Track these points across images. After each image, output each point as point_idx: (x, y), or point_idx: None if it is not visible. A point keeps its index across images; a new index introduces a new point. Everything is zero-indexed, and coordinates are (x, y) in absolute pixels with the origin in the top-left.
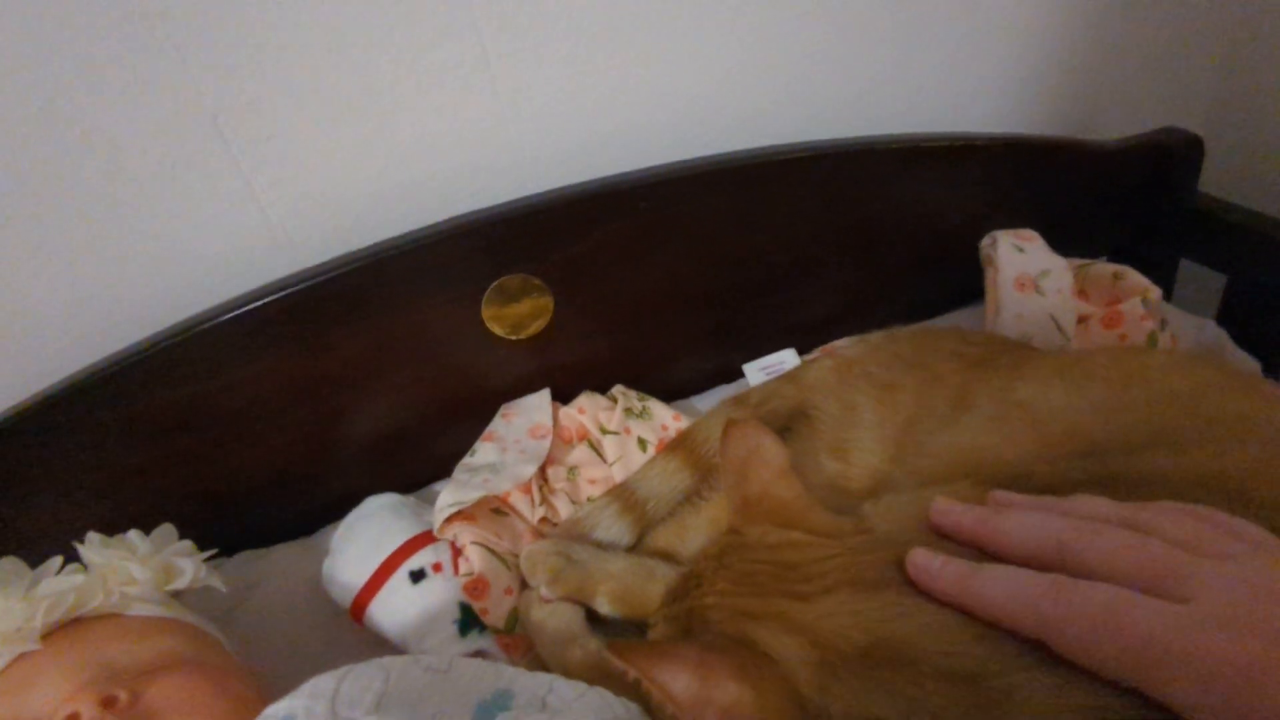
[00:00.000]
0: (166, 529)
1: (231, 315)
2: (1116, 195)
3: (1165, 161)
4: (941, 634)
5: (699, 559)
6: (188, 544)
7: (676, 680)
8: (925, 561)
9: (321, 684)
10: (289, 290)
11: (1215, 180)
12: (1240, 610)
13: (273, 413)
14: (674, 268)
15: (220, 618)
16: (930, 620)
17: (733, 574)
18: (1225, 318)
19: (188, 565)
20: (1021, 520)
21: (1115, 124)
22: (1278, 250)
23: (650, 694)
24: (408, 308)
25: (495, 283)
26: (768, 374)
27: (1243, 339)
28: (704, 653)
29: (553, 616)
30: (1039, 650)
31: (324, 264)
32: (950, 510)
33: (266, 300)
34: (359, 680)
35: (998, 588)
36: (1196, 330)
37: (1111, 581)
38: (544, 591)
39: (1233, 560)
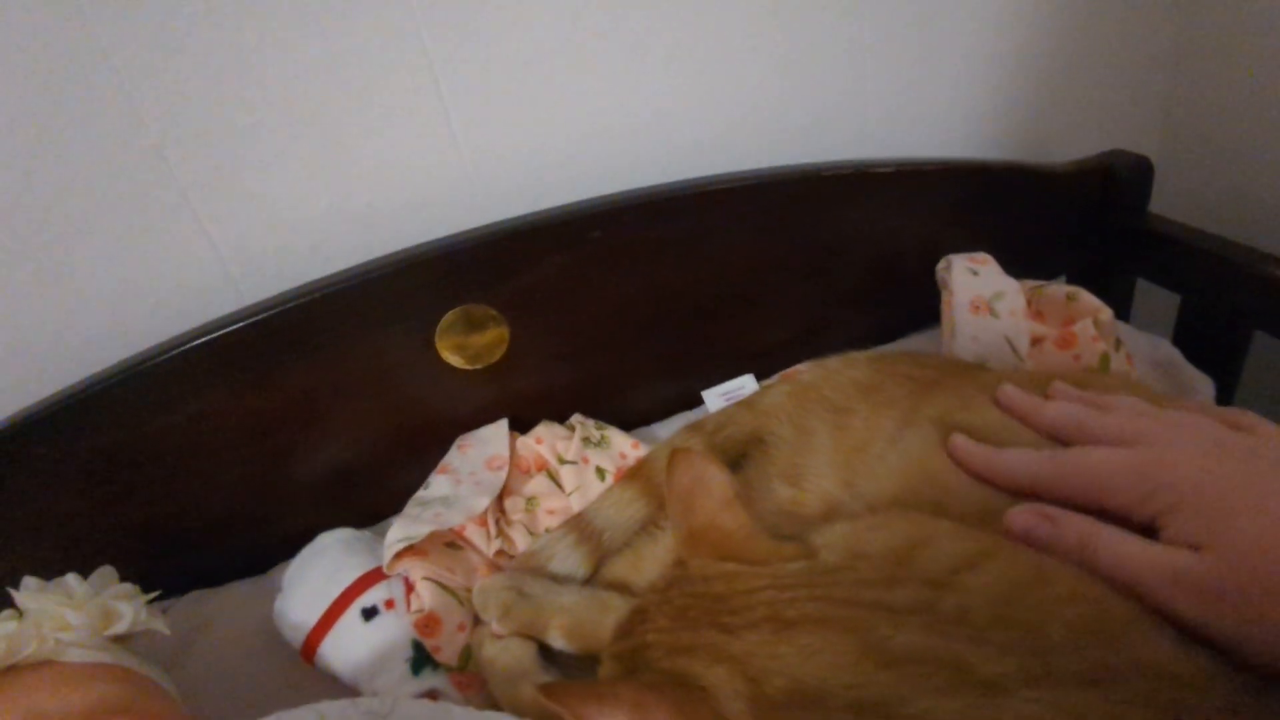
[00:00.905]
0: (107, 571)
1: (178, 351)
2: (1068, 217)
3: (1115, 184)
4: (848, 667)
5: (647, 593)
6: (128, 587)
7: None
8: (964, 444)
9: None
10: (237, 325)
11: (1169, 201)
12: (1169, 446)
13: (222, 450)
14: (629, 296)
15: (170, 659)
16: (837, 656)
17: (672, 609)
18: (1180, 336)
19: (127, 609)
20: (1058, 408)
21: (1068, 148)
22: (1227, 270)
23: None
24: (359, 341)
25: (449, 313)
26: (727, 400)
27: (1196, 357)
28: (641, 692)
29: (504, 653)
30: (947, 673)
31: (272, 298)
32: (1013, 396)
33: (214, 336)
34: None
35: (1010, 461)
36: (1151, 349)
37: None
38: (495, 627)
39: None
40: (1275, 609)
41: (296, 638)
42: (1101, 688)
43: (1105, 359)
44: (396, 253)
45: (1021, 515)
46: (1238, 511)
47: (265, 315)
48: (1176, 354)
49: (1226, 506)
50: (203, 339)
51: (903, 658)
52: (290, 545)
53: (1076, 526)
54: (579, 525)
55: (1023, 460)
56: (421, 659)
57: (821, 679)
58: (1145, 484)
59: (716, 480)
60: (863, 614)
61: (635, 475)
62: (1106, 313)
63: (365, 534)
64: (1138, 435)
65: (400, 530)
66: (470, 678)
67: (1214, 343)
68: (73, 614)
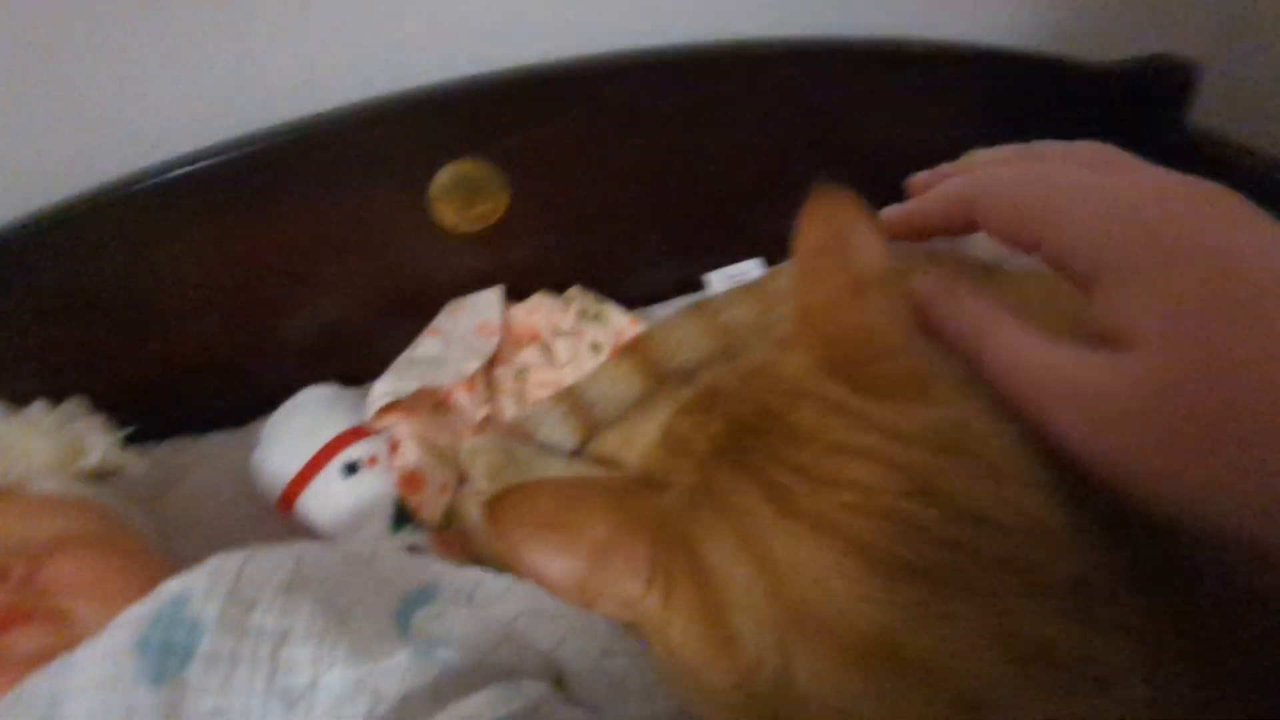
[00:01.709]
0: (75, 404)
1: (152, 183)
2: (1101, 119)
3: (1153, 88)
4: (976, 652)
5: (729, 370)
6: (99, 420)
7: (554, 564)
8: (887, 212)
9: (224, 563)
10: (216, 159)
11: (1216, 111)
12: (1162, 178)
13: (200, 296)
14: (637, 165)
15: (146, 504)
16: (969, 636)
17: (735, 409)
18: None
19: (97, 442)
20: (934, 192)
21: (1113, 44)
22: (1260, 189)
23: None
24: (348, 190)
25: (445, 168)
26: (731, 283)
27: None
28: (612, 534)
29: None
30: (1065, 674)
31: (255, 133)
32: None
33: (191, 169)
34: (266, 562)
35: (929, 198)
36: None
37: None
38: (481, 485)
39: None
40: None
41: (274, 489)
42: None
43: None
44: (391, 95)
45: (929, 283)
46: (1185, 258)
47: (247, 150)
48: None
49: (1166, 248)
50: (179, 171)
51: (1033, 653)
52: (272, 401)
53: (976, 312)
54: (570, 397)
55: (940, 190)
56: (402, 517)
57: (937, 654)
58: (1018, 195)
59: (866, 245)
60: (1010, 583)
61: (632, 350)
62: None
63: (349, 392)
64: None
65: (387, 384)
66: (451, 537)
67: None
68: (40, 442)
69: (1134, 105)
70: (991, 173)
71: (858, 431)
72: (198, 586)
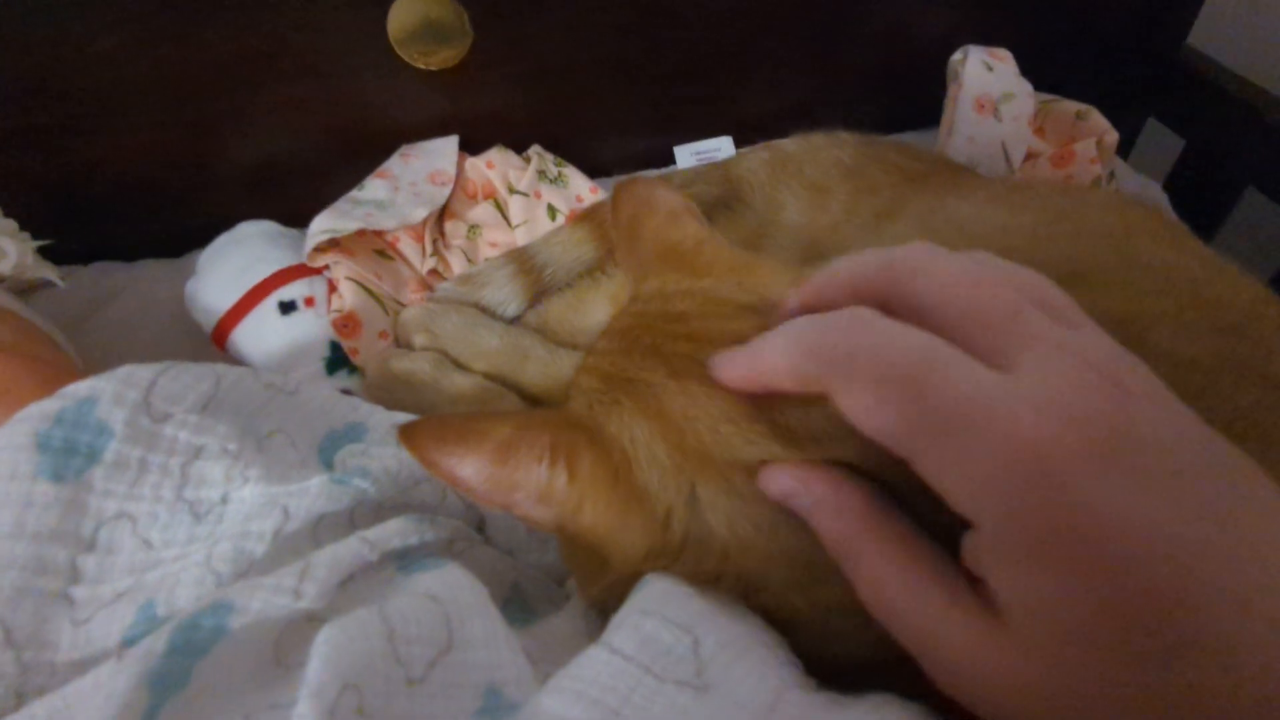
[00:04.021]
0: None
1: None
2: (1100, 32)
3: (1156, 5)
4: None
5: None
6: (10, 223)
7: (464, 465)
8: (720, 360)
9: (137, 373)
10: None
11: (1216, 36)
12: (1063, 394)
13: (137, 105)
14: (615, 23)
15: (72, 325)
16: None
17: (624, 326)
18: (1172, 183)
19: (9, 246)
20: (854, 256)
21: None
22: (1241, 119)
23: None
24: (299, 8)
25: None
26: (699, 159)
27: (1182, 207)
28: (515, 431)
29: (418, 360)
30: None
31: None
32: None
33: None
34: (183, 377)
35: (779, 339)
36: (1140, 190)
37: (936, 318)
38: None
39: (1077, 330)
40: None
41: (208, 322)
42: None
43: (1097, 183)
44: None
45: (806, 479)
46: (1078, 543)
47: None
48: (1164, 199)
49: (1055, 528)
50: None
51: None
52: (209, 233)
53: (847, 522)
54: (520, 257)
55: (796, 332)
56: (337, 360)
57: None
58: (994, 448)
59: (664, 199)
60: None
61: (588, 217)
62: (1113, 135)
63: (291, 231)
64: (1007, 324)
65: (326, 221)
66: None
67: (1205, 194)
68: None
69: (1137, 19)
70: (926, 255)
71: (718, 302)
72: (106, 390)
